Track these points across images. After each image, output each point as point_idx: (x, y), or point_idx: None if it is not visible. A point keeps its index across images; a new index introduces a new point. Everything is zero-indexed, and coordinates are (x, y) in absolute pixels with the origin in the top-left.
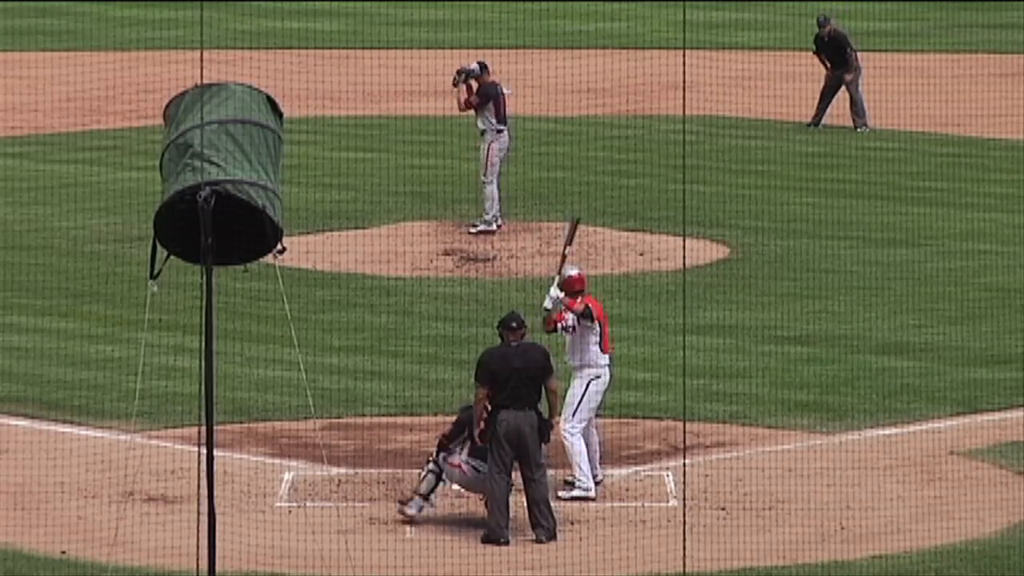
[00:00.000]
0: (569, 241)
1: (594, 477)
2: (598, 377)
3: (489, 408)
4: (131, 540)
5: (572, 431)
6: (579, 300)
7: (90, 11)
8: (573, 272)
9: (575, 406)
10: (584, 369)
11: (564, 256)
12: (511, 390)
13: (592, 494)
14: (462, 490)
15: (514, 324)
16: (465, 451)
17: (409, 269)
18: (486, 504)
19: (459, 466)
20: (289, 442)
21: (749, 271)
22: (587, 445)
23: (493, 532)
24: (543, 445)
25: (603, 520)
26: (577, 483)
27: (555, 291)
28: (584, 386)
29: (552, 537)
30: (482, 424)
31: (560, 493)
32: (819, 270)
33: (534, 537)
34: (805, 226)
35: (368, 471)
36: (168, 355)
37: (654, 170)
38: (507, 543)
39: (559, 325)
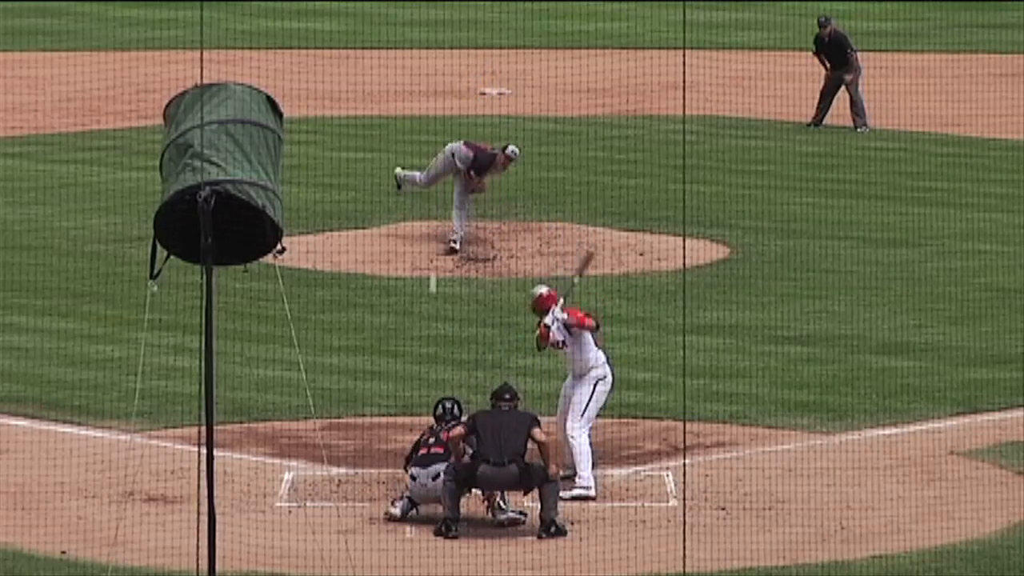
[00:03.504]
0: (580, 272)
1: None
2: (604, 377)
3: (470, 453)
4: (131, 540)
5: (579, 431)
6: (550, 315)
7: (90, 11)
8: (543, 290)
9: (584, 405)
10: (590, 371)
11: (573, 284)
12: (492, 441)
13: (592, 493)
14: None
15: (507, 396)
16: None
17: (409, 269)
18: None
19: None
20: (289, 442)
21: (749, 271)
22: None
23: (444, 524)
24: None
25: (603, 520)
26: (578, 481)
27: (559, 312)
28: (592, 386)
29: (553, 534)
30: (460, 455)
31: (560, 493)
32: (819, 270)
33: (536, 533)
34: (805, 226)
35: (368, 471)
36: (168, 355)
37: (654, 170)
38: (456, 537)
39: (550, 343)
